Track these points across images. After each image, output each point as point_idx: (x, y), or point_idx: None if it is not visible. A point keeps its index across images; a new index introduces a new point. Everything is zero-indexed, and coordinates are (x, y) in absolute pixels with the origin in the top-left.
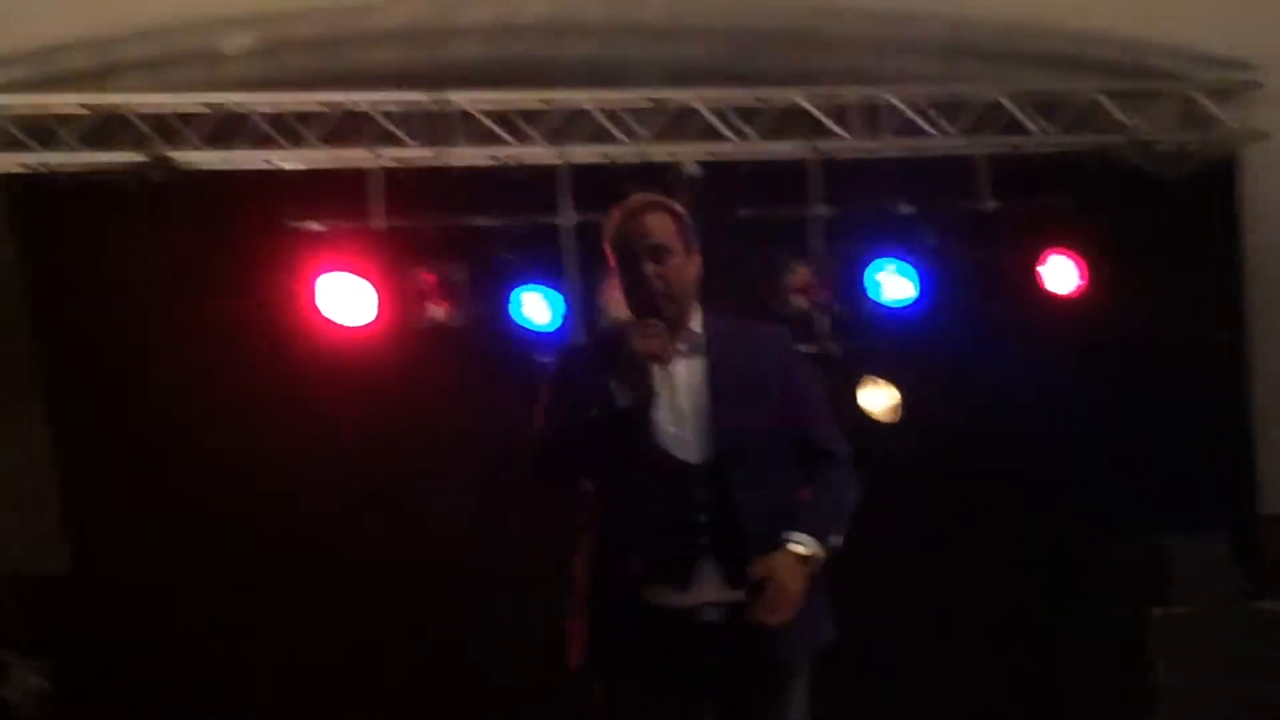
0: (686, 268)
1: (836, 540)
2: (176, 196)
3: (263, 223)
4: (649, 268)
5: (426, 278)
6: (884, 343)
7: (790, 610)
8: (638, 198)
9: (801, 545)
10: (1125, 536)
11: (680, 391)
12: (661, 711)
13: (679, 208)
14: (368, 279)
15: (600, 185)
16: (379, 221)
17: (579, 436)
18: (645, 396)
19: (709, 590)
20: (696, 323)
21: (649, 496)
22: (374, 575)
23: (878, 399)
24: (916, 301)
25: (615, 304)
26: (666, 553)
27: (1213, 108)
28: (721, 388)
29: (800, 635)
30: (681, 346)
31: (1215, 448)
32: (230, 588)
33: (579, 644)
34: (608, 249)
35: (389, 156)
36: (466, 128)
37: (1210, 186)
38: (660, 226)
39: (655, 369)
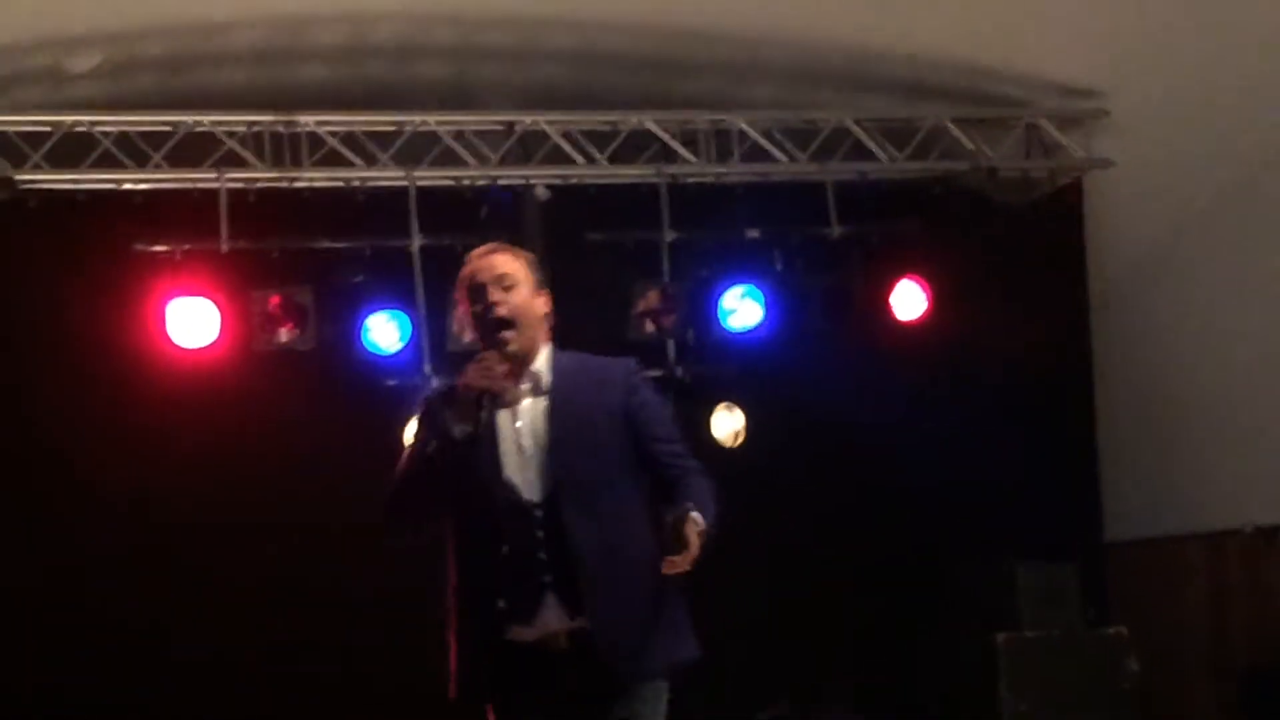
0: (533, 302)
1: (712, 530)
2: (20, 217)
3: (108, 244)
4: (495, 294)
5: (272, 300)
6: (732, 368)
7: (691, 561)
8: (487, 245)
9: (696, 514)
10: (974, 562)
11: (524, 431)
12: None
13: (527, 253)
14: (213, 301)
15: (449, 208)
16: (225, 244)
17: (417, 473)
18: (477, 428)
19: (553, 622)
20: (543, 362)
21: (498, 535)
22: (216, 599)
23: (722, 424)
24: (764, 326)
25: (466, 329)
26: (515, 589)
27: (1059, 135)
28: (559, 427)
29: (650, 652)
30: (525, 385)
31: (1063, 475)
32: (68, 613)
33: (452, 675)
34: (460, 291)
35: (235, 178)
36: (314, 150)
37: (1056, 213)
38: (506, 262)
39: (504, 410)
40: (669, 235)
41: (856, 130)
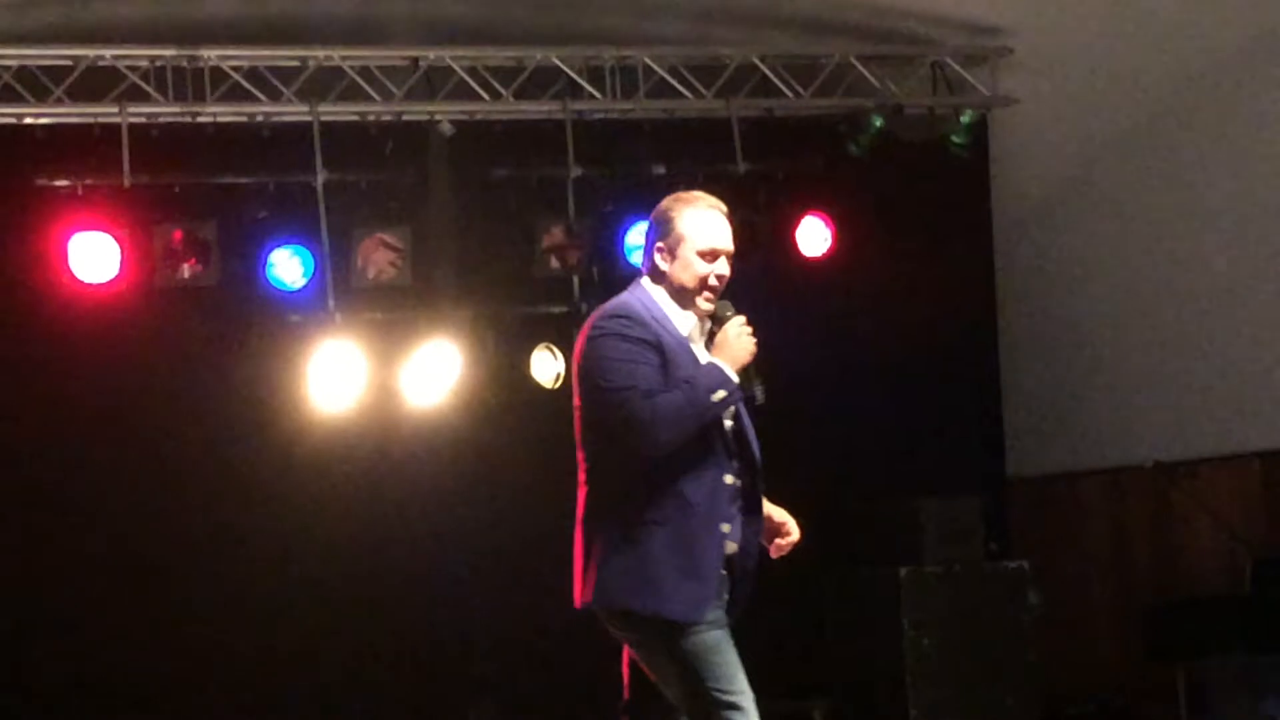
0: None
1: None
2: None
3: (9, 179)
4: (724, 267)
5: (175, 235)
6: None
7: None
8: (713, 199)
9: None
10: (877, 497)
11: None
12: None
13: None
14: (115, 236)
15: (353, 143)
16: (127, 179)
17: (708, 415)
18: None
19: (748, 539)
20: None
21: (726, 468)
22: (110, 536)
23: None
24: None
25: (373, 263)
26: (730, 512)
27: (964, 73)
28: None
29: None
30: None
31: (966, 411)
32: None
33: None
34: (687, 230)
35: (138, 112)
36: (217, 84)
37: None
38: (733, 236)
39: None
40: (574, 171)
41: (762, 67)
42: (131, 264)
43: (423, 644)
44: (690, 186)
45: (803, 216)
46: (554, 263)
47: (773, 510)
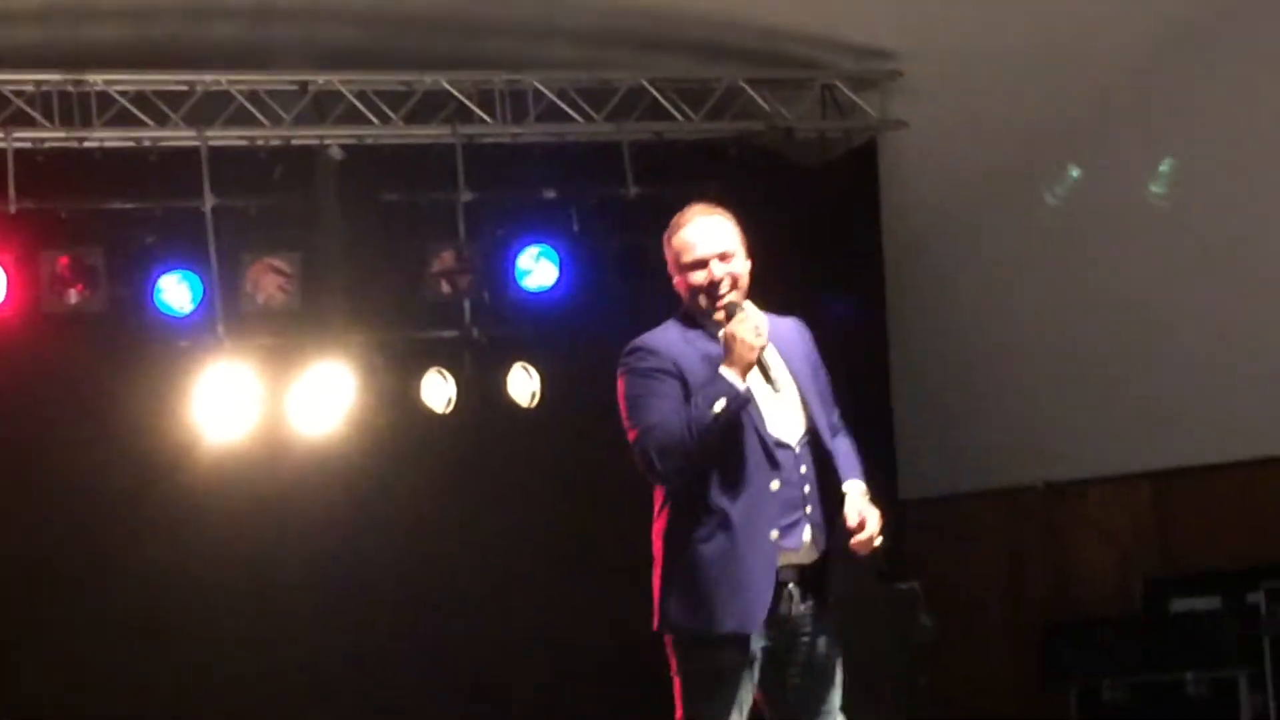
0: (745, 264)
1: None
2: None
3: None
4: (718, 269)
5: (62, 261)
6: (527, 328)
7: (879, 531)
8: (702, 206)
9: (864, 487)
10: None
11: (772, 377)
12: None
13: (728, 212)
14: (1, 263)
15: (242, 168)
16: (13, 205)
17: (713, 430)
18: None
19: (813, 549)
20: (755, 311)
21: (769, 472)
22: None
23: (518, 385)
24: (560, 287)
25: (262, 288)
26: (782, 519)
27: (853, 96)
28: (798, 372)
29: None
30: None
31: (856, 433)
32: None
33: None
34: (675, 248)
35: (23, 137)
36: (104, 109)
37: (851, 173)
38: (725, 234)
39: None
40: (465, 196)
41: (652, 90)
42: (17, 290)
43: (312, 673)
44: (581, 211)
45: None
46: (445, 287)
47: (847, 507)
